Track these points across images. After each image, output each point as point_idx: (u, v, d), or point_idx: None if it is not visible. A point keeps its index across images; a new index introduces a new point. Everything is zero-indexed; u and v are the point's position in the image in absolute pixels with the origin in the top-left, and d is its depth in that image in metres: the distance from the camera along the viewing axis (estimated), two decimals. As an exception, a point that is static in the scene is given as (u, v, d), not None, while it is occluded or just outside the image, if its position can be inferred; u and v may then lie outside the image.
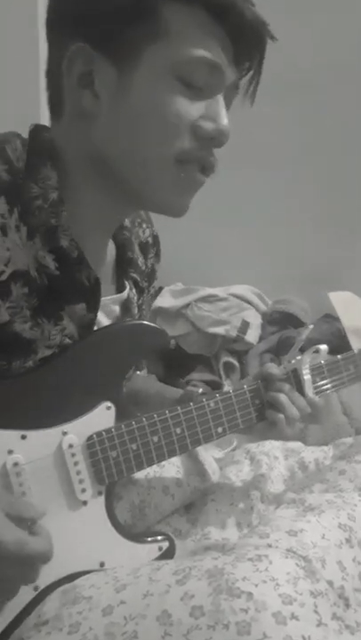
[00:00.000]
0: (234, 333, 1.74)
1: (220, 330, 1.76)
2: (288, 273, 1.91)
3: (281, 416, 0.76)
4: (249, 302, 1.85)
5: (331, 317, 1.76)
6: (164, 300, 1.87)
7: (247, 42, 0.63)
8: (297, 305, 1.83)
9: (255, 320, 1.80)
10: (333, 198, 1.87)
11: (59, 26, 0.64)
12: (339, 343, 1.60)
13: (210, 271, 1.92)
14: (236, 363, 1.75)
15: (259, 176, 1.83)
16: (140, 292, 0.82)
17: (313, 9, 1.70)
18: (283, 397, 0.77)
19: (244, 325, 1.75)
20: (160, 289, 1.91)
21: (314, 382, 0.81)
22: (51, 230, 0.63)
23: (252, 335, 1.75)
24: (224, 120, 0.64)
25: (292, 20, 1.60)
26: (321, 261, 1.90)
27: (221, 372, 1.75)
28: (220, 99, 0.65)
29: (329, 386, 0.83)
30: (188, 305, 1.83)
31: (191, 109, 0.63)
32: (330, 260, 1.89)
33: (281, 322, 1.79)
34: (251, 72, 0.66)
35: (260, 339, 1.77)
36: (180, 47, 0.60)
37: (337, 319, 1.71)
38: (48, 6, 0.65)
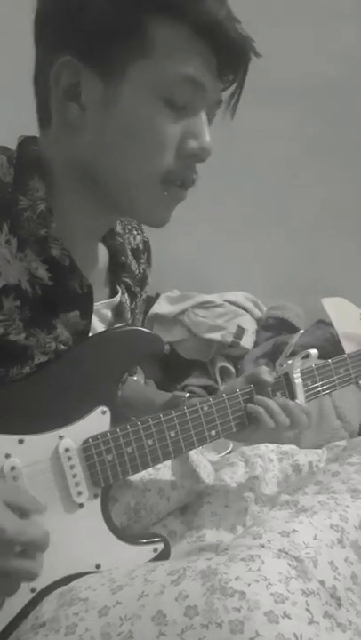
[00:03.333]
0: (229, 339, 1.76)
1: (215, 335, 1.77)
2: (283, 279, 1.93)
3: (270, 421, 0.77)
4: (244, 308, 1.86)
5: (324, 323, 1.77)
6: (161, 307, 1.88)
7: (231, 58, 0.63)
8: (291, 311, 1.84)
9: (250, 326, 1.82)
10: (328, 205, 1.89)
11: (47, 36, 0.64)
12: (332, 348, 1.61)
13: (206, 278, 1.93)
14: (231, 368, 1.76)
15: (254, 183, 1.84)
16: (133, 296, 0.83)
17: (313, 18, 1.73)
18: (272, 404, 0.78)
19: (240, 331, 1.77)
20: (157, 295, 1.93)
21: (305, 386, 0.82)
22: (41, 241, 0.64)
23: (247, 341, 1.77)
24: (207, 137, 0.65)
25: (291, 30, 1.63)
26: (315, 268, 1.91)
27: (217, 377, 1.76)
28: (203, 115, 0.65)
29: (320, 389, 0.84)
30: (184, 311, 1.84)
31: (175, 128, 0.63)
32: (324, 266, 1.91)
33: (276, 327, 1.81)
34: (234, 86, 0.66)
35: (256, 344, 1.79)
36: (164, 65, 0.61)
37: (330, 324, 1.72)
38: (35, 16, 0.65)
